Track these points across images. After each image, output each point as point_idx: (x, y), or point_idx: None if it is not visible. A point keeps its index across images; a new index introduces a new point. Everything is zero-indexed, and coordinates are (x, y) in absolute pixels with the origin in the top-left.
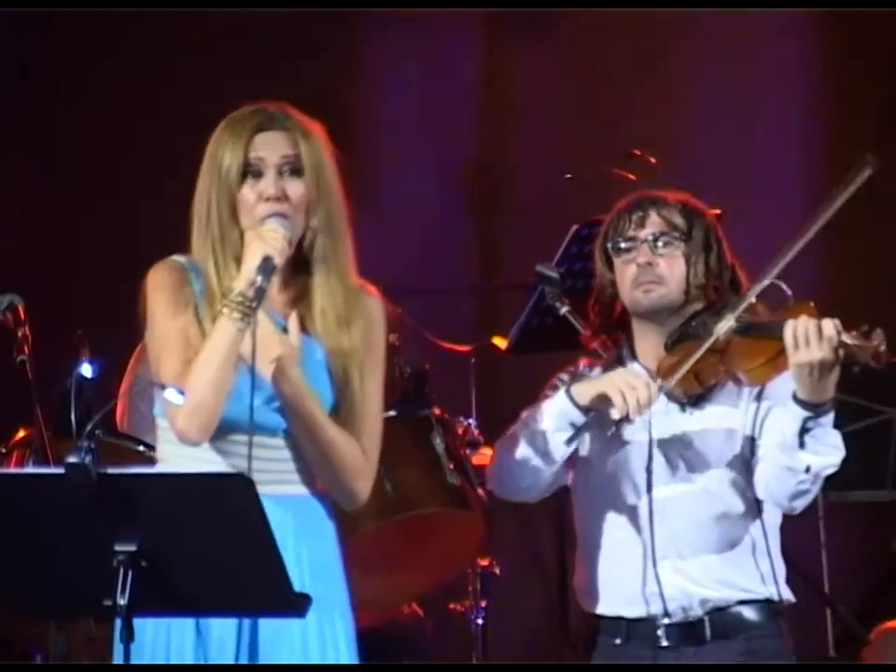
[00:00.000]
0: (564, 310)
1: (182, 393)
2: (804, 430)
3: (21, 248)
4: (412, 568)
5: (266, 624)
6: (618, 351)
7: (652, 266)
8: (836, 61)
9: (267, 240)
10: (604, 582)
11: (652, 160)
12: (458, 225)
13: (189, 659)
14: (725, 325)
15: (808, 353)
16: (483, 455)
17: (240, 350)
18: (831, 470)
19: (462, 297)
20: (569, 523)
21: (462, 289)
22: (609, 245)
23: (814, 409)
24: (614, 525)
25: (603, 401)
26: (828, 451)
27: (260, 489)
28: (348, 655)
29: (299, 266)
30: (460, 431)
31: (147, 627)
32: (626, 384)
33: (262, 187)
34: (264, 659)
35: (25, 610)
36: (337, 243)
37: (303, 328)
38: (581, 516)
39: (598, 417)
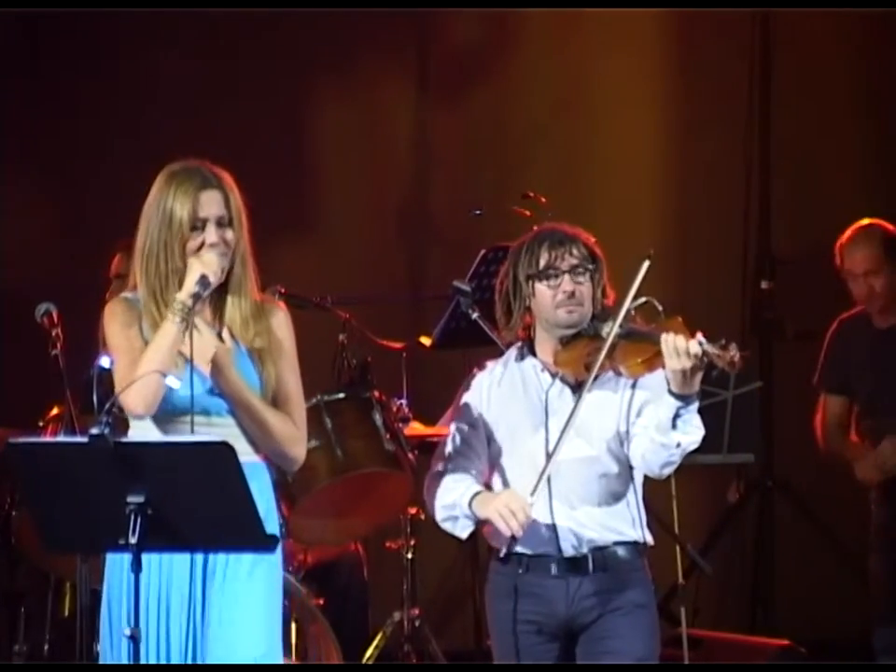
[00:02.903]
0: (475, 316)
1: (179, 379)
2: (676, 416)
3: (55, 264)
4: (356, 515)
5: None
6: (521, 347)
7: (575, 294)
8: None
9: (205, 263)
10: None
11: (543, 199)
12: (391, 248)
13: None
14: (614, 329)
15: (680, 362)
16: (413, 428)
17: (184, 350)
18: (694, 446)
19: (395, 305)
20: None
21: (395, 299)
22: (532, 272)
23: (684, 400)
24: (520, 482)
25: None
26: (693, 431)
27: None
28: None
29: (220, 290)
30: (395, 409)
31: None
32: (507, 511)
33: (206, 237)
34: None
35: (58, 547)
36: (246, 270)
37: (230, 335)
38: (493, 476)
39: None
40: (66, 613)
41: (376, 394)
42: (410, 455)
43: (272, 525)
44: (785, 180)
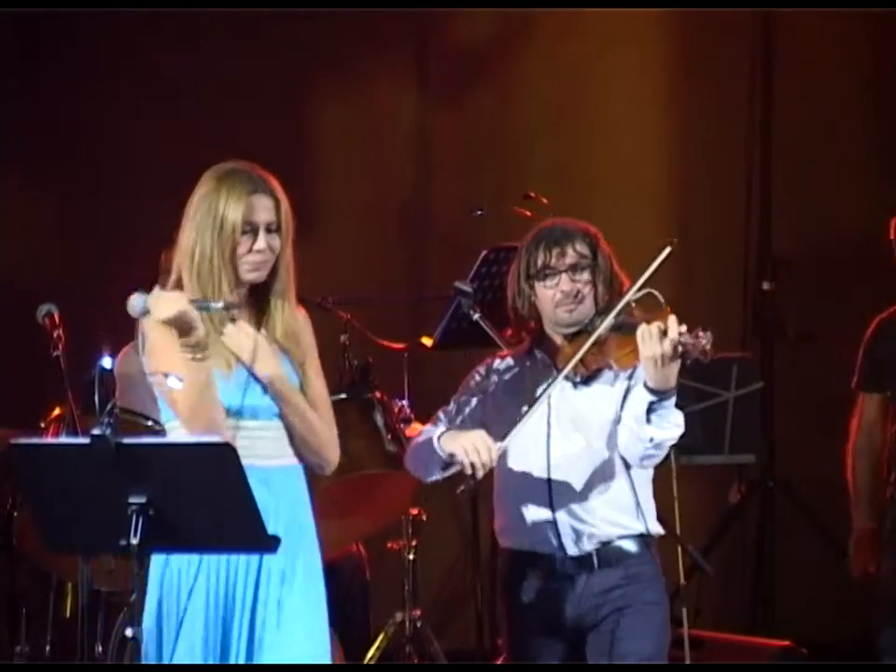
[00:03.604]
0: (476, 316)
1: (181, 380)
2: (650, 410)
3: (55, 266)
4: (358, 516)
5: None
6: (530, 345)
7: (573, 292)
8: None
9: (169, 302)
10: (517, 525)
11: (544, 200)
12: (392, 249)
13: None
14: (606, 323)
15: (651, 348)
16: (414, 429)
17: (227, 343)
18: (671, 443)
19: (396, 306)
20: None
21: (396, 300)
22: (532, 273)
23: (657, 394)
24: (522, 479)
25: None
26: (669, 427)
27: (260, 462)
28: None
29: (263, 296)
30: (396, 410)
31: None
32: (472, 447)
33: (256, 243)
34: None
35: (59, 548)
36: (290, 279)
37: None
38: (498, 473)
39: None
40: (68, 614)
41: (377, 395)
42: None
43: (313, 526)
44: (786, 181)
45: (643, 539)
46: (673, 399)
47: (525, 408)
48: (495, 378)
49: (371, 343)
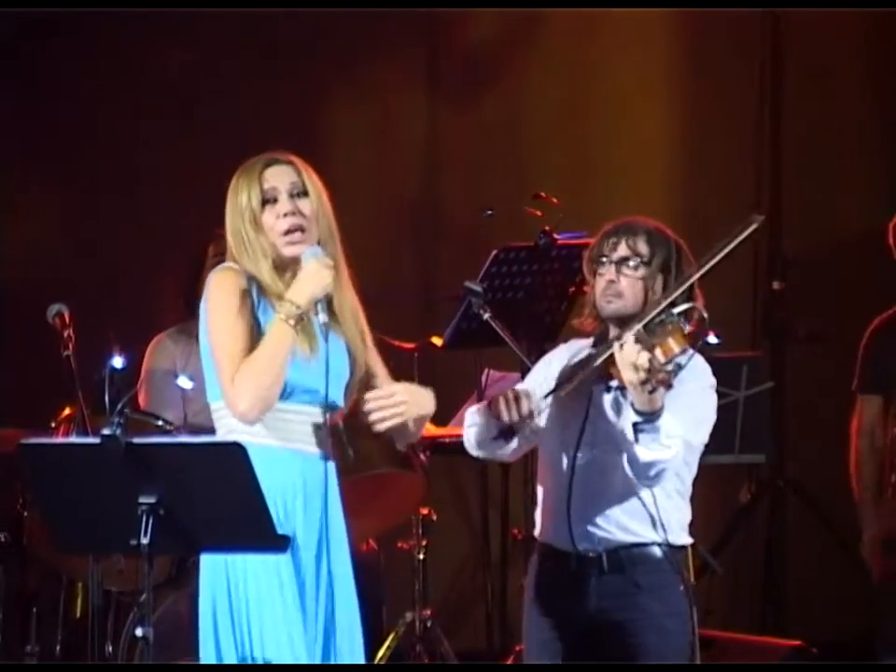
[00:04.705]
0: (486, 316)
1: (192, 380)
2: (638, 430)
3: (66, 266)
4: (369, 515)
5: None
6: (598, 334)
7: (614, 283)
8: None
9: (326, 277)
10: (542, 517)
11: (554, 200)
12: (403, 249)
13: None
14: (628, 336)
15: (626, 373)
16: (425, 428)
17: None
18: (662, 465)
19: (407, 306)
20: (490, 481)
21: (407, 300)
22: (591, 260)
23: (641, 416)
24: (550, 473)
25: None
26: (658, 449)
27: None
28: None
29: None
30: None
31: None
32: (512, 396)
33: (279, 208)
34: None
35: (69, 548)
36: (338, 250)
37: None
38: (538, 469)
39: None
40: (78, 614)
41: None
42: (421, 456)
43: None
44: (796, 180)
45: (658, 547)
46: (658, 422)
47: (585, 435)
48: (553, 366)
49: (382, 343)
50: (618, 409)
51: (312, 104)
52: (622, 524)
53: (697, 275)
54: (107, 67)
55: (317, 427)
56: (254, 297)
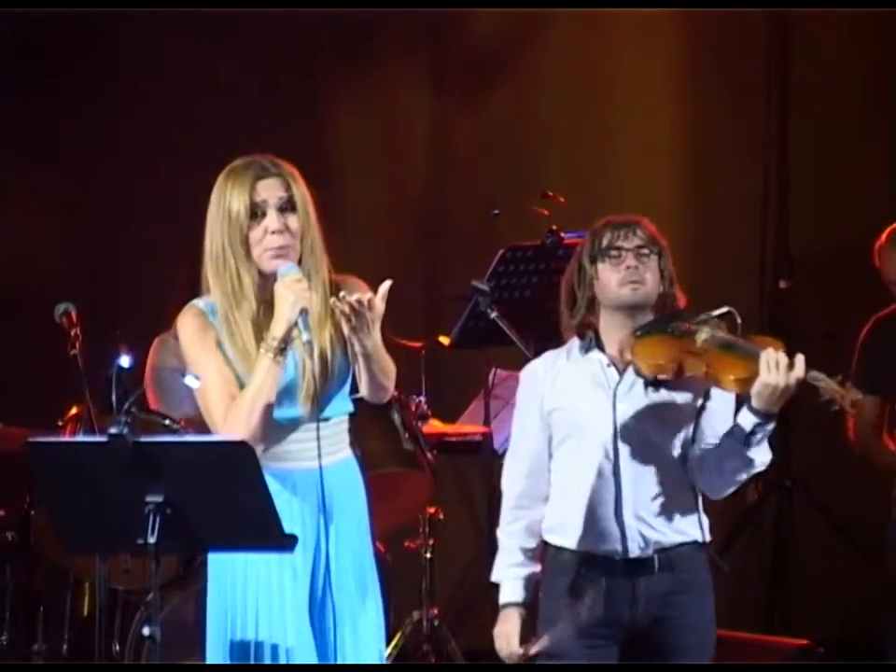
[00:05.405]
0: (493, 315)
1: (198, 378)
2: (752, 433)
3: (73, 265)
4: (376, 514)
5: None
6: (588, 339)
7: (638, 270)
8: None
9: (297, 292)
10: (575, 524)
11: (561, 199)
12: (409, 248)
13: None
14: (706, 334)
15: (775, 377)
16: (432, 426)
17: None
18: (762, 467)
19: (413, 305)
20: (497, 480)
21: (414, 299)
22: (597, 253)
23: (764, 417)
24: (585, 478)
25: None
26: (766, 451)
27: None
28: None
29: None
30: (414, 407)
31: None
32: (502, 644)
33: (267, 223)
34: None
35: (76, 547)
36: (316, 262)
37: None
38: (559, 469)
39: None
40: (85, 613)
41: (395, 393)
42: (428, 455)
43: (367, 518)
44: (803, 178)
45: (697, 545)
46: (773, 424)
47: (619, 443)
48: (550, 380)
49: (389, 342)
50: (650, 399)
51: (317, 103)
52: (673, 524)
53: None
54: (108, 67)
55: (309, 441)
56: (216, 326)
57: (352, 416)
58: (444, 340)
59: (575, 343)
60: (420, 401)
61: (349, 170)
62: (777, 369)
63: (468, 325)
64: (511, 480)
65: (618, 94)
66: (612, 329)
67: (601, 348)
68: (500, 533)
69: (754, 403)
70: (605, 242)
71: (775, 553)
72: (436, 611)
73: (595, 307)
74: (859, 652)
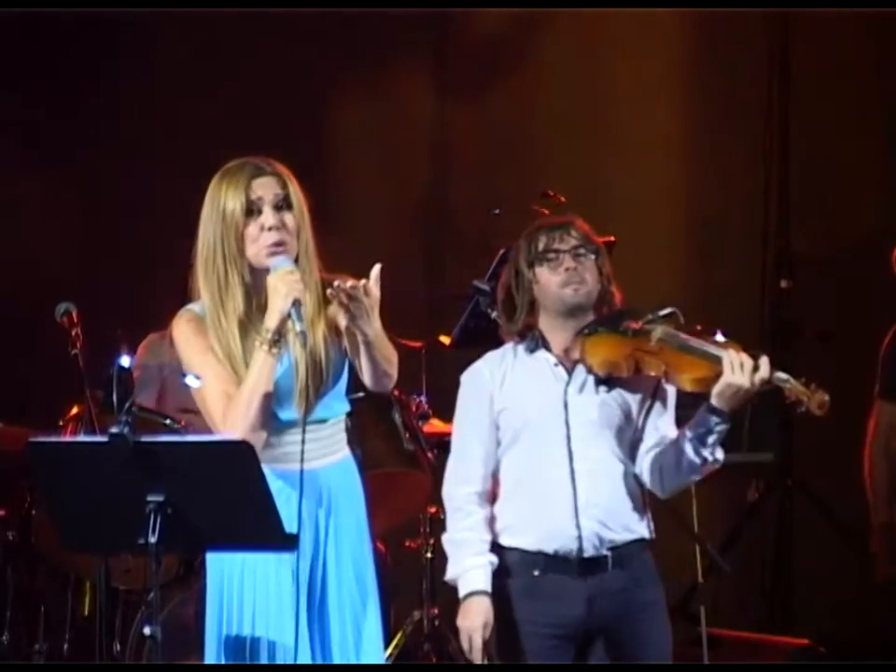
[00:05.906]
0: (494, 315)
1: (199, 378)
2: (710, 432)
3: (74, 264)
4: (377, 514)
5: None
6: (533, 339)
7: (578, 271)
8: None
9: (290, 284)
10: (529, 524)
11: (562, 199)
12: (410, 247)
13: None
14: (661, 333)
15: (739, 378)
16: (433, 425)
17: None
18: (717, 466)
19: (414, 304)
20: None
21: (414, 298)
22: (534, 257)
23: (723, 417)
24: (541, 479)
25: None
26: (720, 451)
27: (315, 463)
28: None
29: None
30: (414, 407)
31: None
32: (466, 637)
33: (264, 219)
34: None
35: (77, 546)
36: (310, 262)
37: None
38: (510, 469)
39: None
40: (86, 612)
41: (395, 392)
42: (429, 455)
43: (365, 517)
44: (804, 179)
45: (645, 542)
46: (728, 424)
47: (573, 442)
48: (497, 380)
49: (390, 341)
50: (599, 397)
51: (321, 103)
52: (625, 523)
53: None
54: (108, 67)
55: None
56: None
57: (350, 416)
58: (445, 339)
59: (519, 344)
60: (421, 401)
61: (351, 170)
62: (741, 370)
63: (468, 324)
64: (462, 481)
65: (621, 94)
66: (555, 330)
67: (547, 348)
68: (453, 534)
69: (715, 403)
70: (541, 245)
71: (775, 552)
72: (436, 611)
73: (536, 310)
74: (860, 652)
